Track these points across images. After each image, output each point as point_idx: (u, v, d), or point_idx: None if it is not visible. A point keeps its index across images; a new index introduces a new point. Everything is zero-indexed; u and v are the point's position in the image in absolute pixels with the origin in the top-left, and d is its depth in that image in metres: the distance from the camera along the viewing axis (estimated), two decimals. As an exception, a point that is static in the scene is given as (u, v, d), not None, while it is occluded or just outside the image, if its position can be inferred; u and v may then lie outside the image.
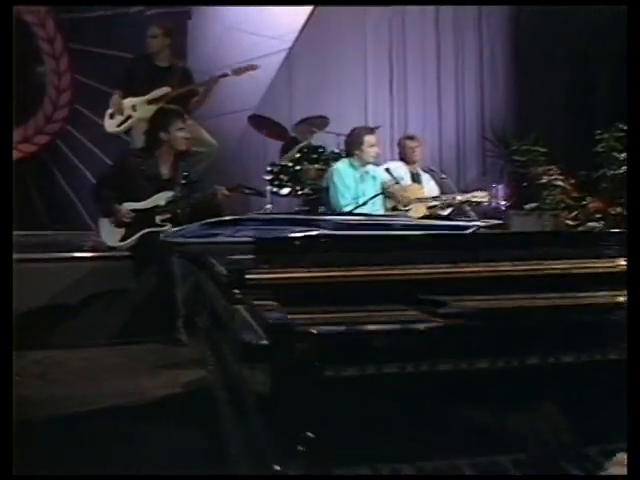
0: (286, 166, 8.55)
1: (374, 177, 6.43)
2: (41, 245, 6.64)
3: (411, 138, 7.01)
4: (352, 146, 6.48)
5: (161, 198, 5.17)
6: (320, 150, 8.44)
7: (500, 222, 3.15)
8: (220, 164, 7.46)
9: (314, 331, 1.42)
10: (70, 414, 3.32)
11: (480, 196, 6.75)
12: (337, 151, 8.41)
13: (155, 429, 3.25)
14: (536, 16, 9.47)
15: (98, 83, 10.49)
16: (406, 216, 4.47)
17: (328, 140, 8.68)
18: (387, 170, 6.38)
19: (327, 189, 6.50)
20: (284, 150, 8.91)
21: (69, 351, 4.50)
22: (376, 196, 6.18)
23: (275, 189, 8.56)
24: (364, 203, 6.06)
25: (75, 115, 10.77)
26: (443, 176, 6.80)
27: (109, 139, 6.97)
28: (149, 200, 5.16)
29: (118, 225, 5.10)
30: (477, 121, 9.95)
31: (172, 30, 6.67)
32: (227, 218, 3.63)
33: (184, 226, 3.48)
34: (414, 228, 3.02)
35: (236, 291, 1.92)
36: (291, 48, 10.90)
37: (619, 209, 8.14)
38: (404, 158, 6.89)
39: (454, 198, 6.63)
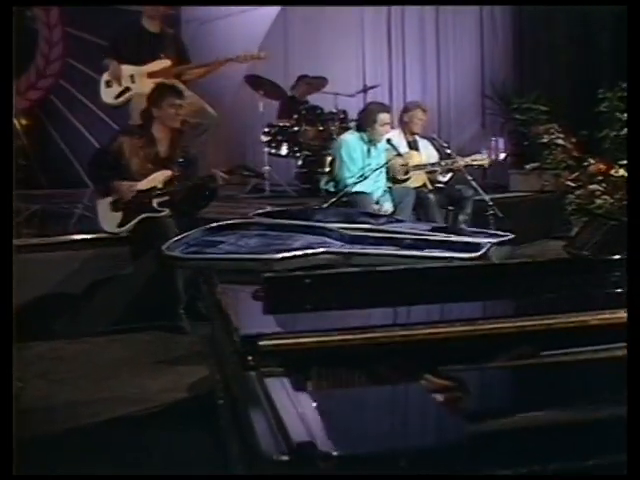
0: (284, 127, 8.43)
1: (381, 150, 6.29)
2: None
3: (424, 110, 6.72)
4: (364, 122, 6.28)
5: (158, 178, 5.06)
6: (318, 111, 8.31)
7: (511, 235, 3.05)
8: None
9: (335, 453, 1.37)
10: (73, 428, 3.27)
11: (480, 159, 6.62)
12: (335, 111, 8.30)
13: (160, 439, 3.22)
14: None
15: (91, 35, 10.30)
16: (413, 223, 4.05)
17: (326, 101, 8.54)
18: (388, 141, 6.24)
19: (334, 159, 6.37)
20: (281, 110, 8.79)
21: (70, 343, 4.45)
22: (377, 169, 6.07)
23: (273, 150, 8.46)
24: (366, 177, 5.95)
25: (69, 69, 10.58)
26: (445, 145, 6.65)
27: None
28: (146, 180, 5.04)
29: (115, 209, 4.99)
30: (477, 78, 9.78)
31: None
32: (230, 222, 3.57)
33: (187, 233, 3.40)
34: (425, 244, 2.95)
35: (249, 357, 1.89)
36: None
37: (621, 171, 8.04)
38: (407, 126, 6.68)
39: (453, 162, 6.50)
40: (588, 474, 1.45)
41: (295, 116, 8.32)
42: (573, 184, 8.39)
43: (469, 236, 3.03)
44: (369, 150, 6.25)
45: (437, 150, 6.77)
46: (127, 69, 6.10)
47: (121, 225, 4.99)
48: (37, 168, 10.15)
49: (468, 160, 6.45)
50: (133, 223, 4.97)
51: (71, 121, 10.54)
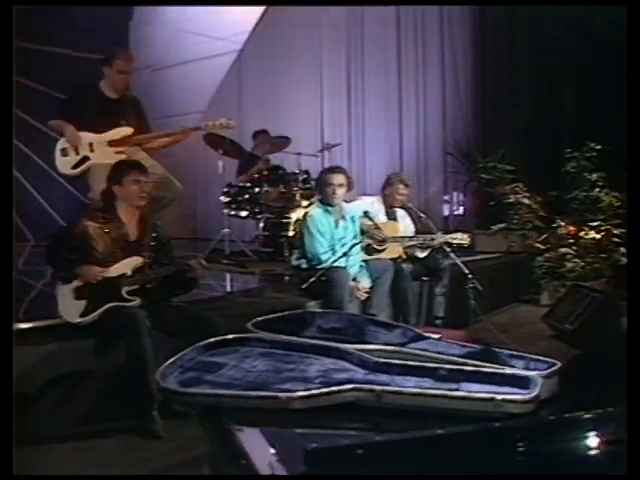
0: (244, 187, 8.06)
1: (352, 220, 5.95)
2: None
3: (406, 185, 6.44)
4: (321, 190, 5.97)
5: (128, 265, 4.59)
6: (280, 172, 7.96)
7: (559, 364, 2.69)
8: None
9: None
10: None
11: (460, 238, 6.33)
12: (297, 172, 7.98)
13: None
14: (502, 27, 9.12)
15: (41, 85, 9.77)
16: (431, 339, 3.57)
17: (289, 162, 8.24)
18: (366, 214, 5.92)
19: (302, 235, 5.97)
20: (241, 169, 8.43)
21: (30, 453, 3.93)
22: (355, 245, 5.73)
23: (233, 212, 8.07)
24: (344, 254, 5.60)
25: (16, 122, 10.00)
26: (422, 215, 6.35)
27: (53, 151, 6.06)
28: (114, 267, 4.55)
29: (78, 297, 4.48)
30: (439, 136, 9.57)
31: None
32: (231, 337, 3.15)
33: (180, 354, 2.97)
34: (462, 375, 2.59)
35: None
36: (241, 50, 10.38)
37: (592, 233, 7.87)
38: (387, 199, 6.40)
39: (432, 239, 6.22)
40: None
41: (256, 176, 7.97)
42: (542, 246, 8.19)
43: (510, 364, 2.67)
44: (336, 222, 5.92)
45: (413, 220, 6.50)
46: (85, 136, 5.61)
47: (84, 315, 4.48)
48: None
49: (447, 238, 6.18)
50: (98, 313, 4.48)
51: (16, 176, 9.97)
